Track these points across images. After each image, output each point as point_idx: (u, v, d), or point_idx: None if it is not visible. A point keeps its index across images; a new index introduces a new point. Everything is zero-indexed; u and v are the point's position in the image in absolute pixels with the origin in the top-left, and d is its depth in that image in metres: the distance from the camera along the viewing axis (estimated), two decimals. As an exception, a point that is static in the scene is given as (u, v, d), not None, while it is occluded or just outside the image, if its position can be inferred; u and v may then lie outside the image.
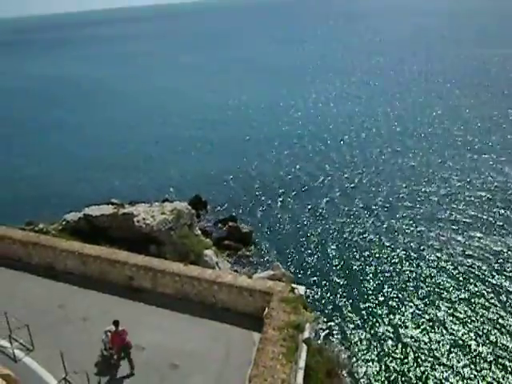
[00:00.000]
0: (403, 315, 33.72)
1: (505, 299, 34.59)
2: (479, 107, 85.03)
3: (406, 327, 32.50)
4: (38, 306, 22.93)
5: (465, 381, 27.87)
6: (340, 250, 42.80)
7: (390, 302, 35.18)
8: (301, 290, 22.31)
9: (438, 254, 40.98)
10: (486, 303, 34.34)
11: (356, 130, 77.92)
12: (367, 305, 35.01)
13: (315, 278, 38.66)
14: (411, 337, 31.56)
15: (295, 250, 43.36)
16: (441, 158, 63.23)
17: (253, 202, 53.97)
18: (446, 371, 28.60)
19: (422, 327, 32.41)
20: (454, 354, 29.84)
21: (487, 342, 30.65)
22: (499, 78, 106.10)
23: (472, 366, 28.80)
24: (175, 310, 22.47)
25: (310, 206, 52.00)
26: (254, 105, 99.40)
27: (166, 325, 21.56)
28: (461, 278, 37.47)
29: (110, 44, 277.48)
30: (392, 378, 28.32)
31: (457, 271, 38.41)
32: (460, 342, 30.88)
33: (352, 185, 56.74)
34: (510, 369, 28.33)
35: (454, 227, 45.50)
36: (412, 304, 34.83)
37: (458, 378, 28.09)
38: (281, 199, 54.21)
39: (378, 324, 32.94)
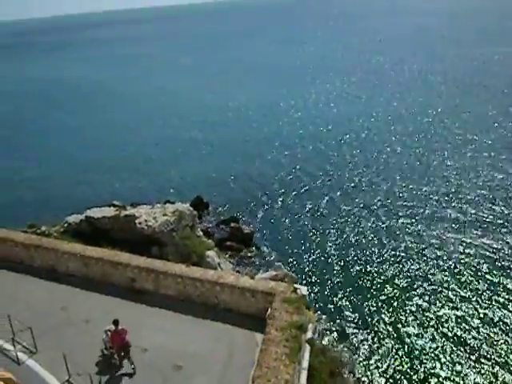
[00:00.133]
0: (406, 315, 33.69)
1: (505, 298, 34.57)
2: (479, 106, 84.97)
3: (409, 327, 32.47)
4: (41, 309, 22.93)
5: (466, 380, 27.84)
6: (342, 250, 42.78)
7: (392, 302, 35.15)
8: (303, 290, 22.27)
9: (440, 254, 40.96)
10: (488, 302, 34.32)
11: (356, 130, 77.90)
12: (369, 304, 34.99)
13: (317, 278, 38.66)
14: (414, 336, 31.53)
15: (297, 250, 43.34)
16: (441, 157, 63.20)
17: (254, 202, 53.97)
18: (449, 370, 28.58)
19: (424, 326, 32.38)
20: (456, 354, 29.80)
21: (489, 341, 30.63)
22: (499, 77, 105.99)
23: (474, 366, 28.76)
24: (178, 311, 22.45)
25: (311, 207, 51.99)
26: (255, 106, 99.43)
27: (169, 326, 21.54)
28: (462, 277, 37.44)
29: (110, 46, 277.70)
30: (395, 378, 28.29)
31: (458, 270, 38.39)
32: (462, 341, 30.85)
33: (353, 185, 56.74)
34: (510, 369, 28.33)
35: (455, 226, 45.47)
36: (414, 303, 34.81)
37: (459, 377, 28.06)
38: (282, 200, 54.20)
39: (380, 324, 32.92)
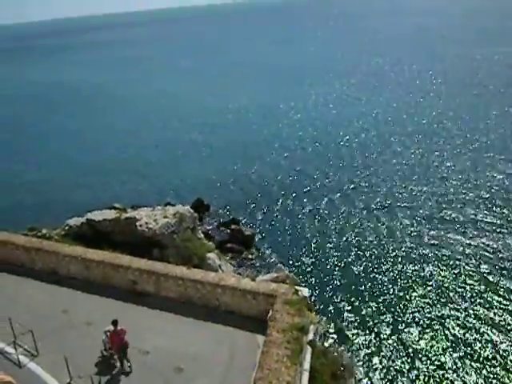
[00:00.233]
0: (407, 316, 33.65)
1: (505, 299, 34.55)
2: (479, 106, 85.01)
3: (410, 328, 32.43)
4: (42, 312, 22.93)
5: (468, 381, 27.80)
6: (343, 252, 42.75)
7: (393, 303, 35.12)
8: (304, 291, 22.27)
9: (440, 254, 40.93)
10: (488, 303, 34.31)
11: (356, 131, 77.90)
12: (371, 306, 34.95)
13: (319, 280, 38.62)
14: (415, 337, 31.49)
15: (298, 251, 43.31)
16: (441, 157, 63.19)
17: (255, 204, 53.96)
18: (451, 372, 28.54)
19: (425, 328, 32.35)
20: (457, 355, 29.77)
21: (489, 341, 30.62)
22: (499, 77, 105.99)
23: (475, 366, 28.73)
24: (179, 313, 22.45)
25: (311, 208, 51.97)
26: (254, 108, 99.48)
27: (170, 328, 21.54)
28: (463, 278, 37.41)
29: (110, 49, 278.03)
30: (397, 379, 28.25)
31: (459, 271, 38.36)
32: (463, 342, 30.82)
33: (353, 186, 56.72)
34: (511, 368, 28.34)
35: (455, 227, 45.45)
36: (416, 304, 34.77)
37: (461, 378, 28.03)
38: (283, 202, 54.19)
39: (381, 325, 32.88)
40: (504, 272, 37.69)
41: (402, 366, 29.25)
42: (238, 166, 65.96)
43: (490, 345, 30.37)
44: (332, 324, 33.00)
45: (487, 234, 43.76)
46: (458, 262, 39.57)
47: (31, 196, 60.10)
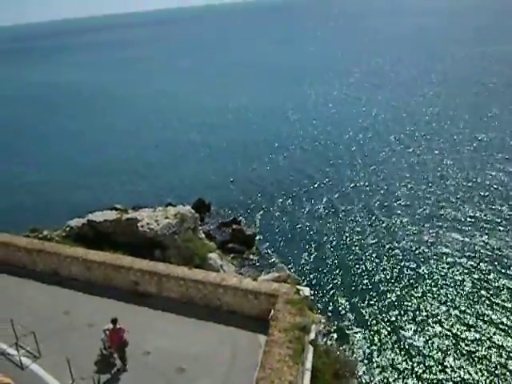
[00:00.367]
0: (408, 314, 33.65)
1: (505, 297, 34.58)
2: (479, 105, 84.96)
3: (412, 326, 32.44)
4: (44, 313, 22.94)
5: (468, 379, 27.82)
6: (344, 251, 42.77)
7: (394, 302, 35.12)
8: (306, 291, 22.29)
9: (442, 253, 40.93)
10: (489, 301, 34.31)
11: (356, 130, 77.85)
12: (373, 305, 34.96)
13: (320, 279, 38.62)
14: (418, 337, 31.49)
15: (299, 251, 43.32)
16: (440, 156, 63.17)
17: (256, 204, 53.96)
18: (451, 369, 28.54)
19: (427, 326, 32.35)
20: (458, 353, 29.78)
21: (490, 340, 30.65)
22: (499, 75, 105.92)
23: (476, 365, 28.74)
24: (181, 314, 22.45)
25: (312, 208, 51.98)
26: (255, 107, 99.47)
27: (172, 329, 21.54)
28: (464, 277, 37.42)
29: (109, 50, 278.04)
30: (399, 378, 28.25)
31: (460, 269, 38.37)
32: (464, 340, 30.84)
33: (354, 185, 56.72)
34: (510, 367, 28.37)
35: (455, 226, 45.43)
36: (417, 303, 34.77)
37: (461, 376, 28.05)
38: (284, 201, 54.19)
39: (383, 324, 32.88)
40: (503, 270, 37.71)
41: (404, 364, 29.25)
42: (238, 166, 65.97)
43: (489, 343, 30.38)
44: (334, 323, 33.00)
45: (486, 232, 43.77)
46: (457, 260, 39.58)
47: (32, 197, 60.13)
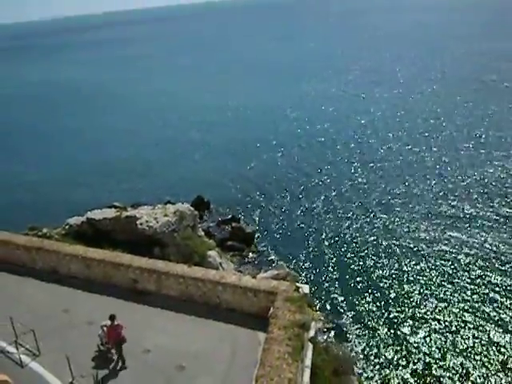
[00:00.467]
0: (409, 312, 33.69)
1: (503, 294, 34.63)
2: (478, 102, 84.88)
3: (411, 323, 32.48)
4: (43, 311, 22.93)
5: (466, 375, 27.88)
6: (343, 248, 42.79)
7: (394, 299, 35.16)
8: (305, 288, 22.28)
9: (440, 250, 40.99)
10: (490, 299, 34.38)
11: (355, 127, 77.91)
12: (372, 302, 34.98)
13: (319, 277, 38.65)
14: (418, 333, 31.54)
15: (298, 249, 43.33)
16: (438, 153, 63.17)
17: (255, 202, 53.97)
18: (450, 365, 28.61)
19: (427, 324, 32.40)
20: (456, 349, 29.88)
21: (489, 337, 30.79)
22: (498, 72, 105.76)
23: (476, 363, 28.78)
24: (180, 311, 22.44)
25: (311, 205, 51.98)
26: (254, 105, 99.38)
27: (171, 327, 21.53)
28: (463, 273, 37.48)
29: (109, 47, 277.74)
30: (399, 375, 28.29)
31: (460, 267, 38.43)
32: (462, 337, 30.94)
33: (353, 183, 56.74)
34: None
35: (454, 223, 45.49)
36: (417, 301, 34.82)
37: (459, 372, 28.11)
38: (283, 199, 54.20)
39: (383, 321, 32.92)
40: (501, 267, 37.79)
41: (403, 360, 29.29)
42: (237, 164, 65.92)
43: (487, 339, 30.54)
44: (333, 320, 33.04)
45: (484, 229, 43.83)
46: (455, 257, 39.69)
47: (31, 195, 60.12)
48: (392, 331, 31.88)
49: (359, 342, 30.99)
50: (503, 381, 27.17)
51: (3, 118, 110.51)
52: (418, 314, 33.37)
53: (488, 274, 37.12)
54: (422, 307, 34.06)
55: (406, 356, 29.66)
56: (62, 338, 21.05)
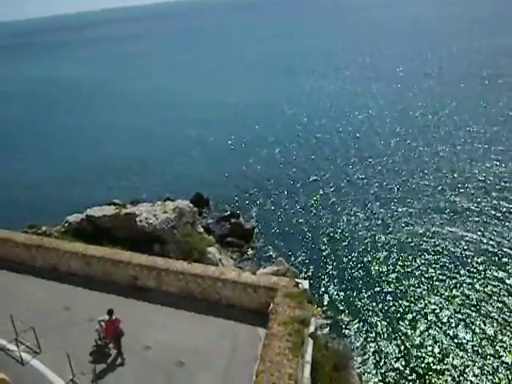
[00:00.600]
0: (409, 307, 33.75)
1: (502, 291, 34.69)
2: (474, 98, 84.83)
3: (412, 319, 32.53)
4: (43, 309, 22.93)
5: (464, 370, 27.95)
6: (343, 244, 42.82)
7: (394, 294, 35.22)
8: (305, 284, 22.25)
9: (439, 246, 41.06)
10: (490, 297, 34.42)
11: (352, 123, 78.04)
12: (372, 297, 35.05)
13: (319, 272, 38.71)
14: (417, 328, 31.59)
15: (298, 244, 43.38)
16: (435, 149, 63.25)
17: (254, 198, 53.97)
18: (449, 360, 28.74)
19: (427, 319, 32.48)
20: (455, 344, 29.98)
21: (486, 332, 30.95)
22: (495, 68, 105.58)
23: (473, 358, 28.87)
24: (180, 308, 22.44)
25: (310, 201, 51.99)
26: (253, 102, 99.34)
27: (171, 323, 21.53)
28: (460, 269, 37.55)
29: (108, 45, 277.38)
30: (398, 370, 28.36)
31: (458, 262, 38.48)
32: (460, 332, 31.08)
33: (351, 179, 56.77)
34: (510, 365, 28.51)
35: (454, 219, 45.59)
36: (417, 296, 34.88)
37: (458, 368, 28.17)
38: (282, 195, 54.19)
39: (383, 316, 32.97)
40: (497, 261, 37.94)
41: (403, 355, 29.37)
42: (236, 160, 65.90)
43: (484, 334, 30.71)
44: (333, 315, 33.10)
45: (481, 224, 43.96)
46: (453, 252, 39.89)
47: (30, 193, 60.10)
48: (391, 326, 31.96)
49: (359, 337, 31.06)
50: (501, 375, 27.25)
51: (2, 115, 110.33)
52: (417, 309, 33.47)
53: (486, 268, 37.23)
54: (421, 301, 34.15)
55: (406, 350, 29.74)
56: (62, 336, 21.05)
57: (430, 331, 31.22)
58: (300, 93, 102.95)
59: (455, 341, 30.28)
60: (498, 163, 56.35)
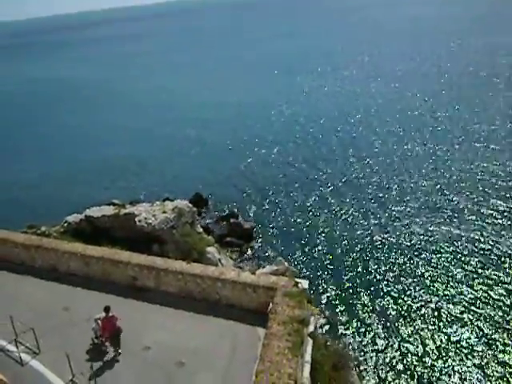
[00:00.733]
0: (408, 307, 33.72)
1: (502, 291, 34.69)
2: (473, 97, 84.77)
3: (411, 318, 32.50)
4: (43, 309, 22.90)
5: (468, 370, 27.92)
6: (342, 243, 42.79)
7: (393, 294, 35.19)
8: (304, 284, 22.23)
9: (438, 246, 41.06)
10: (491, 295, 34.40)
11: (350, 123, 78.01)
12: (371, 297, 35.03)
13: (318, 272, 38.69)
14: (416, 327, 31.57)
15: (297, 244, 43.36)
16: (434, 149, 63.16)
17: (253, 198, 53.96)
18: (447, 359, 28.70)
19: (426, 318, 32.45)
20: (453, 344, 29.96)
21: (483, 332, 30.94)
22: (494, 67, 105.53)
23: (472, 358, 28.88)
24: (179, 308, 22.42)
25: (309, 201, 51.96)
26: (253, 102, 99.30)
27: (171, 323, 21.52)
28: (458, 269, 37.52)
29: (109, 45, 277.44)
30: (398, 369, 28.34)
31: (456, 262, 38.45)
32: (458, 331, 31.07)
33: (350, 179, 56.76)
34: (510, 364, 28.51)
35: (452, 219, 45.52)
36: (417, 295, 34.85)
37: (456, 367, 28.16)
38: (281, 195, 54.17)
39: (382, 315, 32.95)
40: (495, 261, 37.90)
41: (402, 354, 29.34)
42: (235, 160, 65.87)
43: (485, 334, 30.70)
44: (332, 315, 33.07)
45: (479, 223, 43.94)
46: (451, 252, 39.84)
47: (30, 193, 60.09)
48: (391, 325, 31.95)
49: (359, 337, 31.04)
50: (501, 375, 27.25)
51: (3, 115, 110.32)
52: (416, 308, 33.43)
53: (483, 268, 37.24)
54: (420, 301, 34.15)
55: (405, 350, 29.73)
56: (61, 336, 21.03)
57: (429, 331, 31.20)
58: (299, 93, 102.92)
59: (454, 340, 30.27)
60: (496, 162, 56.32)
